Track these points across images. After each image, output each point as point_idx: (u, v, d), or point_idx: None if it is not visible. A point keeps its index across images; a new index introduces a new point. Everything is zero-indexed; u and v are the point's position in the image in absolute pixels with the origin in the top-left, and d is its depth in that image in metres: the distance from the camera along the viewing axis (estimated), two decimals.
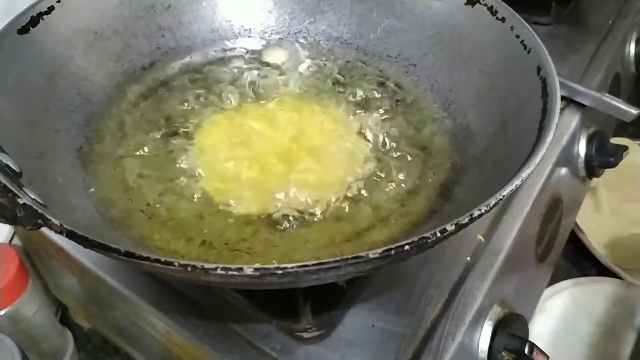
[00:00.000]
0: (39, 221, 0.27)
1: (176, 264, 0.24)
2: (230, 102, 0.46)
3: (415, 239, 0.25)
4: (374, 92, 0.48)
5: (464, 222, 0.26)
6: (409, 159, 0.42)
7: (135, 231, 0.36)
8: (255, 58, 0.51)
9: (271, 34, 0.52)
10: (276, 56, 0.51)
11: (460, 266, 0.41)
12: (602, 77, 0.61)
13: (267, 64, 0.50)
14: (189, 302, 0.39)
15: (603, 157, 0.57)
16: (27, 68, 0.38)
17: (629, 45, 0.72)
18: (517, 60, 0.39)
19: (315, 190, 0.39)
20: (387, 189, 0.39)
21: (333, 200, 0.38)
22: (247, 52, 0.51)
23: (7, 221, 0.27)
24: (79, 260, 0.43)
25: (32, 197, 0.29)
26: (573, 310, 0.64)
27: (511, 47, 0.40)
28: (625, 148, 0.56)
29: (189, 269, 0.24)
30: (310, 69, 0.50)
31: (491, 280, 0.41)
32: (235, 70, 0.50)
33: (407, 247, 0.25)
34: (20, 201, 0.27)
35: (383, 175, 0.40)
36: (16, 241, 0.56)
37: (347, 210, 0.38)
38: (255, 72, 0.49)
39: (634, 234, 0.71)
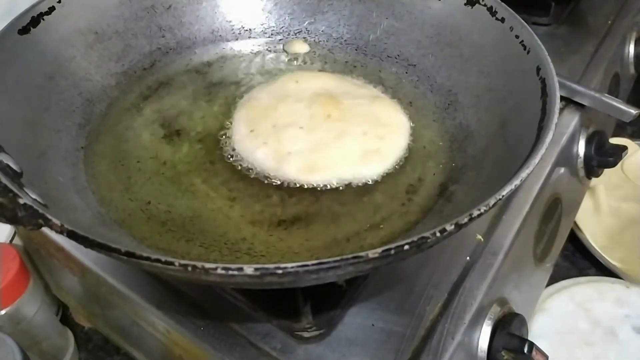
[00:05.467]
0: (40, 221, 0.27)
1: (176, 263, 0.24)
2: (230, 102, 0.46)
3: (415, 238, 0.25)
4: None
5: (463, 222, 0.26)
6: (409, 159, 0.42)
7: (135, 231, 0.36)
8: (256, 59, 0.51)
9: (271, 34, 0.52)
10: (275, 58, 0.51)
11: (459, 266, 0.41)
12: (601, 77, 0.62)
13: (267, 65, 0.50)
14: (190, 302, 0.39)
15: (602, 157, 0.57)
16: (27, 68, 0.38)
17: (628, 46, 0.72)
18: (516, 60, 0.39)
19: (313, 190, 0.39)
20: (386, 189, 0.39)
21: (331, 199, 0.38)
22: (248, 52, 0.51)
23: (8, 221, 0.27)
24: (79, 259, 0.43)
25: (33, 197, 0.29)
26: (572, 310, 0.64)
27: (511, 47, 0.40)
28: (624, 148, 0.56)
29: (190, 268, 0.24)
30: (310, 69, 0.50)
31: (490, 280, 0.41)
32: (236, 70, 0.50)
33: (406, 246, 0.25)
34: (21, 201, 0.27)
35: (383, 175, 0.40)
36: (17, 241, 0.56)
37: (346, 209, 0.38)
38: (256, 73, 0.50)
39: (633, 234, 0.71)
